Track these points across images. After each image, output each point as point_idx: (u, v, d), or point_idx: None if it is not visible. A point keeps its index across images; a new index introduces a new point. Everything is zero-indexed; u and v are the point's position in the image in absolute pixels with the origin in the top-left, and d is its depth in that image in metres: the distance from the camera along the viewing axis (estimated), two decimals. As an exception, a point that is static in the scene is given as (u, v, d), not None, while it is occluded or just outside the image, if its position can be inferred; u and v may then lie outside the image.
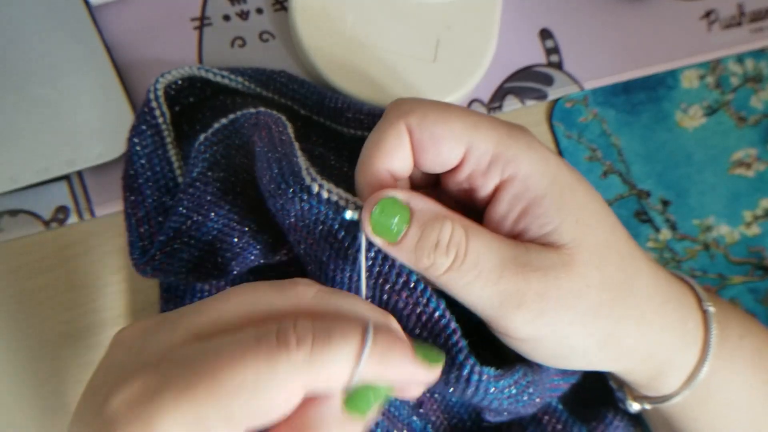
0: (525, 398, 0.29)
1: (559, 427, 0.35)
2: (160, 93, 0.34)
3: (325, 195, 0.27)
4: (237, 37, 0.41)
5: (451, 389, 0.27)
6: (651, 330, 0.28)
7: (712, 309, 0.30)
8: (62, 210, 0.38)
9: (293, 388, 0.21)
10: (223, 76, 0.36)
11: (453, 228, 0.26)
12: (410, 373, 0.23)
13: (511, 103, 0.42)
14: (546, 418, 0.35)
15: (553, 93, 0.43)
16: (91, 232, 0.38)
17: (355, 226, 0.27)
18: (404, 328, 0.27)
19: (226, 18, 0.41)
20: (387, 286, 0.27)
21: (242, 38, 0.41)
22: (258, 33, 0.41)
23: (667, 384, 0.30)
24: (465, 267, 0.26)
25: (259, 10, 0.42)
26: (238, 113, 0.32)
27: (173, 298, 0.35)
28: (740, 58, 0.45)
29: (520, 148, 0.26)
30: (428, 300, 0.27)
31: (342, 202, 0.27)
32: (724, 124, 0.44)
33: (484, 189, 0.27)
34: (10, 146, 0.36)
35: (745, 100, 0.45)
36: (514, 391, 0.28)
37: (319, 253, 0.28)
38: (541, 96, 0.43)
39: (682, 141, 0.44)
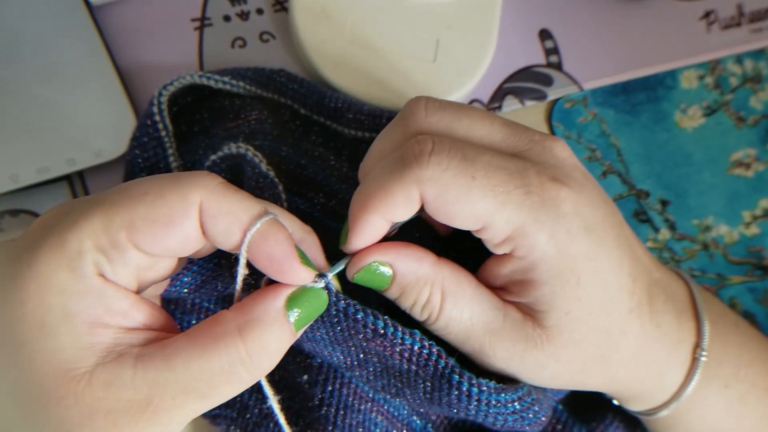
0: (530, 416, 0.28)
1: (559, 427, 0.35)
2: (164, 106, 0.34)
3: None
4: (237, 38, 0.41)
5: (455, 410, 0.28)
6: (620, 385, 0.29)
7: (704, 359, 0.29)
8: (63, 210, 0.38)
9: (191, 200, 0.23)
10: (224, 83, 0.36)
11: (431, 293, 0.27)
12: (285, 254, 0.24)
13: (511, 104, 0.42)
14: (545, 418, 0.35)
15: (553, 93, 0.43)
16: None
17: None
18: (391, 366, 0.28)
19: (227, 18, 0.41)
20: (360, 336, 0.27)
21: (242, 39, 0.41)
22: (258, 33, 0.41)
23: (634, 406, 0.32)
24: (435, 327, 0.27)
25: (260, 11, 0.42)
26: (226, 151, 0.31)
27: (173, 299, 0.35)
28: (739, 59, 0.45)
29: (539, 237, 0.25)
30: (402, 339, 0.27)
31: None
32: (724, 125, 0.44)
33: (491, 249, 0.26)
34: (11, 146, 0.36)
35: (744, 100, 0.45)
36: (518, 407, 0.28)
37: None
38: (540, 96, 0.43)
39: (681, 141, 0.44)
